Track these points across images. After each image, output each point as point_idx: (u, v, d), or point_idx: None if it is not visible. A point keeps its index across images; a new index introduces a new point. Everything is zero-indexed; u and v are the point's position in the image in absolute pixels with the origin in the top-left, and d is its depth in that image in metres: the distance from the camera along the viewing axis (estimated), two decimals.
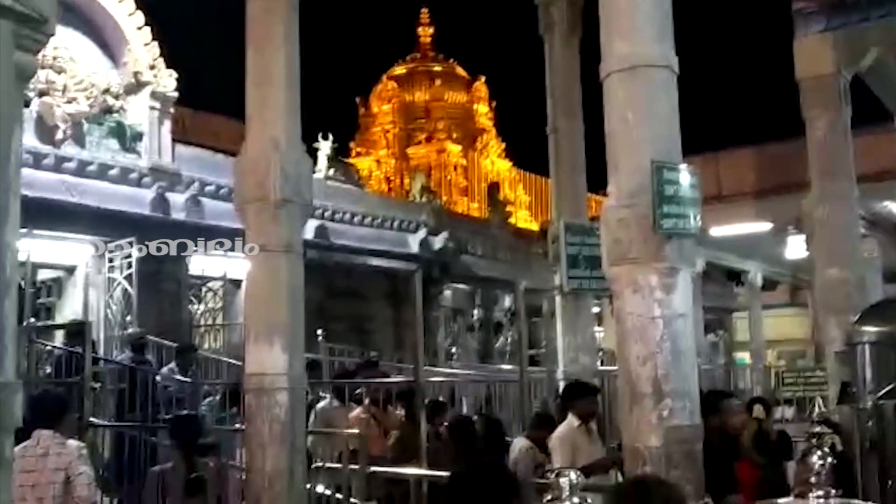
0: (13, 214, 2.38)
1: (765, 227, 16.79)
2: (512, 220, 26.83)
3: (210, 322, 14.36)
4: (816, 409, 6.56)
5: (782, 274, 22.66)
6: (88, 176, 12.44)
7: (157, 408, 8.78)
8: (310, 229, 15.57)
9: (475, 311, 20.74)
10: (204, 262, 13.92)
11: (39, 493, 5.28)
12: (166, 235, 13.00)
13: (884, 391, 3.96)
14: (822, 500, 2.52)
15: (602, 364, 11.98)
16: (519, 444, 6.49)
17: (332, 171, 18.85)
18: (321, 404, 8.81)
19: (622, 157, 4.60)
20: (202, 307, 14.99)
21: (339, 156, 22.34)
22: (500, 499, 2.00)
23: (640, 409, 4.39)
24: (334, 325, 15.89)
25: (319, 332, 14.24)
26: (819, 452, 2.59)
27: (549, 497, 1.72)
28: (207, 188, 13.81)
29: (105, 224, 12.17)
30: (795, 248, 15.42)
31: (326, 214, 16.23)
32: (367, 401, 8.33)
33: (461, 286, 20.14)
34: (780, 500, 2.68)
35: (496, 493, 2.02)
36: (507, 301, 20.91)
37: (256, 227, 6.13)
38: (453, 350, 18.55)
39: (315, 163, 18.51)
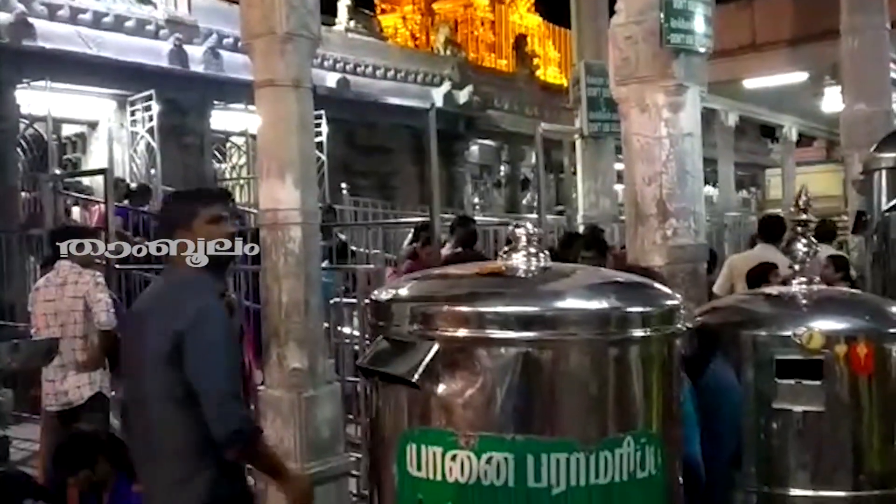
0: None
1: (801, 77, 16.27)
2: (540, 74, 26.30)
3: (235, 176, 14.46)
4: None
5: (818, 129, 22.16)
6: (104, 28, 12.27)
7: None
8: (331, 81, 15.41)
9: (502, 168, 20.63)
10: (226, 118, 13.88)
11: (62, 319, 5.49)
12: (185, 88, 13.03)
13: (891, 204, 3.89)
14: (804, 287, 2.52)
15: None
16: None
17: (352, 23, 18.44)
18: None
19: None
20: (227, 164, 15.07)
21: (363, 9, 21.84)
22: None
23: (644, 229, 4.38)
24: (358, 180, 15.94)
25: (343, 185, 14.30)
26: (804, 240, 2.57)
27: (506, 248, 1.73)
28: (226, 40, 13.60)
29: (124, 77, 12.11)
30: (832, 100, 14.96)
31: (348, 67, 15.99)
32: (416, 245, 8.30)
33: (488, 142, 19.97)
34: (763, 288, 2.68)
35: None
36: (534, 157, 20.73)
37: (263, 63, 6.03)
38: (476, 203, 18.55)
39: (335, 14, 18.13)
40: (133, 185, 10.84)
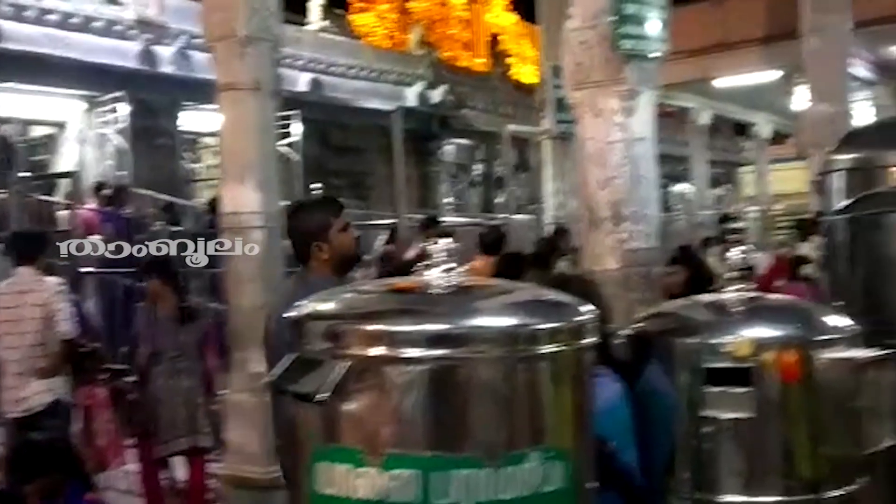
0: None
1: (773, 75, 16.37)
2: (515, 74, 26.33)
3: (206, 177, 14.41)
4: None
5: (790, 126, 22.33)
6: (72, 28, 12.18)
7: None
8: (303, 83, 15.38)
9: (477, 167, 20.66)
10: (198, 118, 13.83)
11: (22, 328, 5.45)
12: (155, 89, 12.96)
13: (841, 205, 3.94)
14: (738, 295, 2.55)
15: None
16: None
17: (325, 23, 18.39)
18: None
19: None
20: (200, 164, 15.01)
21: (336, 8, 21.78)
22: None
23: (598, 232, 4.41)
24: (332, 180, 15.91)
25: (315, 186, 14.27)
26: (740, 248, 2.61)
27: (425, 263, 1.75)
28: (196, 41, 13.51)
29: (93, 78, 12.04)
30: (802, 98, 15.11)
31: (320, 68, 15.95)
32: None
33: (463, 141, 19.99)
34: (701, 295, 2.71)
35: None
36: (511, 155, 20.75)
37: (224, 66, 6.04)
38: (449, 203, 18.57)
39: (307, 14, 18.08)
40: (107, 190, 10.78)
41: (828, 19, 7.76)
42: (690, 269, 4.67)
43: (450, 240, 1.75)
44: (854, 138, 4.97)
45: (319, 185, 14.36)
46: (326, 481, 1.55)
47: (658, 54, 4.49)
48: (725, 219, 8.18)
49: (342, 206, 3.27)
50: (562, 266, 6.13)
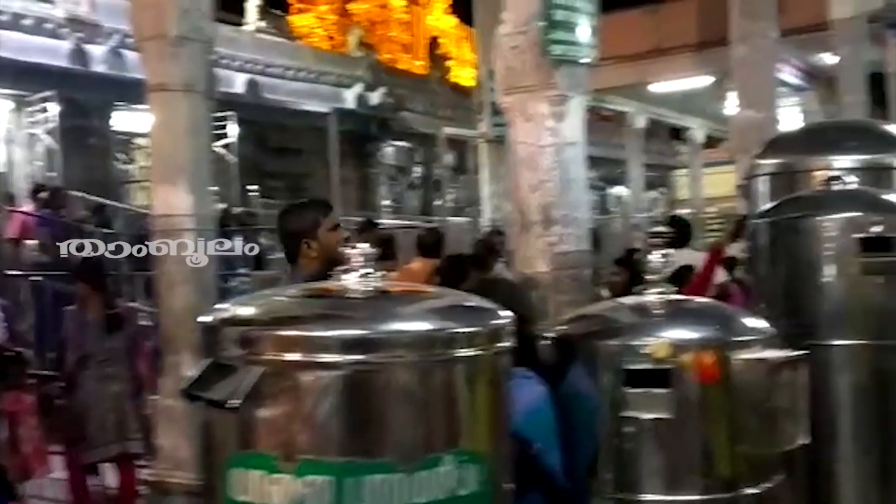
0: None
1: (706, 81, 16.69)
2: (455, 76, 26.41)
3: (140, 178, 14.16)
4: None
5: (723, 131, 22.77)
6: (0, 26, 11.90)
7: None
8: (240, 84, 15.22)
9: (416, 169, 20.68)
10: (131, 118, 13.58)
11: None
12: (87, 89, 12.70)
13: (763, 209, 4.04)
14: (659, 298, 2.60)
15: None
16: None
17: (262, 24, 18.23)
18: None
19: None
20: (134, 165, 14.74)
21: (275, 9, 21.59)
22: None
23: (529, 236, 4.45)
24: (270, 182, 15.79)
25: (252, 188, 14.15)
26: (661, 252, 2.66)
27: (344, 267, 1.75)
28: (129, 40, 13.28)
29: (22, 77, 11.76)
30: (734, 103, 15.40)
31: (257, 69, 15.80)
32: None
33: (402, 143, 19.99)
34: (624, 298, 2.76)
35: None
36: (448, 158, 20.85)
37: (155, 66, 5.94)
38: (387, 205, 18.57)
39: (244, 15, 17.90)
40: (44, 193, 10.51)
41: (755, 27, 7.95)
42: (630, 270, 4.73)
43: (367, 245, 1.75)
44: (778, 143, 5.08)
45: (256, 186, 14.25)
46: (241, 488, 1.54)
47: (588, 60, 4.54)
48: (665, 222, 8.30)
49: (331, 207, 3.44)
50: (499, 268, 6.16)
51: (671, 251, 6.61)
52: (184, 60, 5.88)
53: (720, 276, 4.59)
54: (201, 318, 1.68)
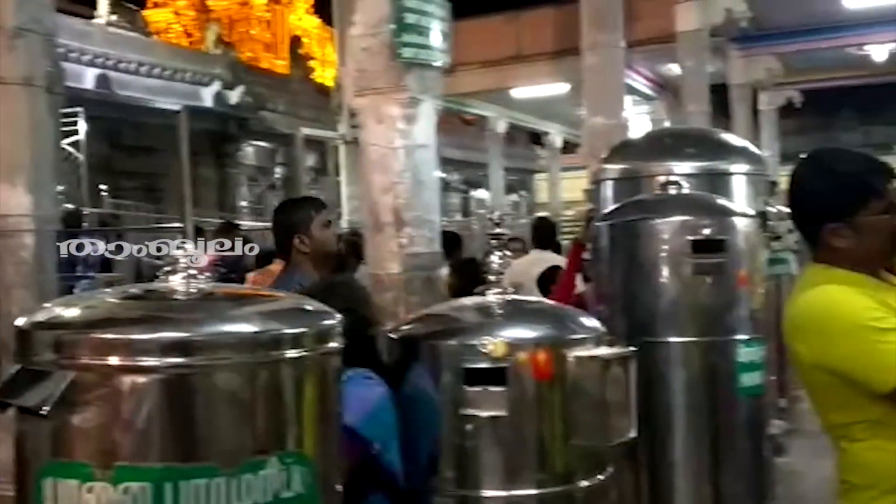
0: None
1: (563, 87, 17.18)
2: (318, 77, 26.21)
3: None
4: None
5: (580, 136, 23.47)
6: None
7: None
8: (90, 79, 14.62)
9: (277, 170, 20.39)
10: None
11: None
12: None
13: (601, 214, 4.20)
14: (498, 297, 2.66)
15: None
16: None
17: (114, 17, 17.57)
18: None
19: None
20: None
21: (129, 3, 20.85)
22: None
23: (382, 237, 4.46)
24: (123, 181, 15.24)
25: (104, 187, 13.62)
26: (499, 253, 2.72)
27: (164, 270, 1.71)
28: None
29: None
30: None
31: (109, 63, 15.21)
32: None
33: (262, 144, 19.67)
34: (462, 299, 2.81)
35: None
36: (312, 159, 20.68)
37: None
38: (246, 205, 18.25)
39: (95, 7, 17.21)
40: None
41: (603, 38, 8.26)
42: (464, 277, 4.83)
43: (191, 245, 1.72)
44: (622, 150, 5.28)
45: (108, 186, 13.72)
46: (53, 498, 1.49)
47: (440, 63, 4.59)
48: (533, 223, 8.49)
49: (324, 204, 3.59)
50: (362, 269, 6.15)
51: (535, 251, 6.81)
52: (22, 53, 5.62)
53: (580, 286, 4.75)
54: (17, 322, 1.61)
